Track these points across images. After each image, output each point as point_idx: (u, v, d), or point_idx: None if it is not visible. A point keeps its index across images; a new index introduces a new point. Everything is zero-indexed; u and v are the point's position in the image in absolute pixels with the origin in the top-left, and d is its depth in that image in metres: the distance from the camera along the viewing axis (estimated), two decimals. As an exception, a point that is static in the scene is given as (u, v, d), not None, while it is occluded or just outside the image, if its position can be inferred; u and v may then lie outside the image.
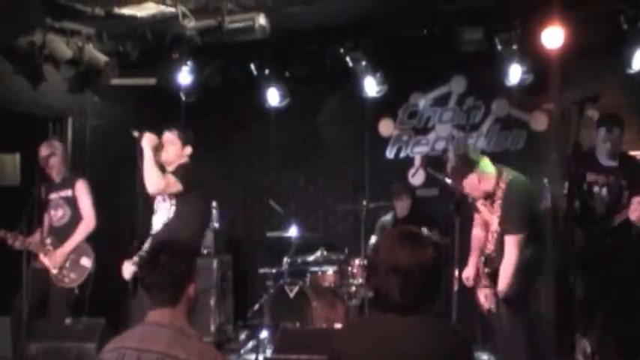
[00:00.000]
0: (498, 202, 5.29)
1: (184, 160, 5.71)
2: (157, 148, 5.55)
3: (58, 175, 6.78)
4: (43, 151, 6.67)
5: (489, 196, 5.33)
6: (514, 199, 5.26)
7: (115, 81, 8.27)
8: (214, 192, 8.53)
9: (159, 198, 5.63)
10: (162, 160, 5.63)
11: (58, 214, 6.75)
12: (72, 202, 6.73)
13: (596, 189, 5.40)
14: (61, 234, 6.71)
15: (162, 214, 5.58)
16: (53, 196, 6.78)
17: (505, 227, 5.24)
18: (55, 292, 6.61)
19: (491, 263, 5.32)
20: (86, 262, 6.63)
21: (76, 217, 6.71)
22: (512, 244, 5.19)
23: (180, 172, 5.55)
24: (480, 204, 5.49)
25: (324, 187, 9.38)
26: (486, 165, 5.36)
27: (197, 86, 8.59)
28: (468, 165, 5.34)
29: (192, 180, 5.56)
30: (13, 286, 6.30)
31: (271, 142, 9.53)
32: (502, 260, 5.23)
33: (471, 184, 5.30)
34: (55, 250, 6.63)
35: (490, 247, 5.35)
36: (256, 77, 8.69)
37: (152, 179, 5.40)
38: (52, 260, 6.59)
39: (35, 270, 6.48)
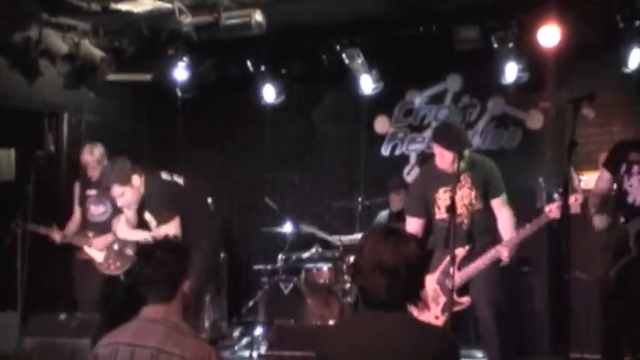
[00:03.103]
0: (466, 178, 5.33)
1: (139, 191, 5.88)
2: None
3: (99, 173, 6.90)
4: (90, 155, 6.93)
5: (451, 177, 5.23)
6: (492, 167, 5.45)
7: (111, 77, 8.25)
8: (209, 188, 8.53)
9: None
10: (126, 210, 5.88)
11: (99, 210, 6.96)
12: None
13: (635, 168, 5.09)
14: (102, 228, 6.88)
15: None
16: (92, 192, 6.99)
17: (493, 191, 5.37)
18: (103, 281, 6.86)
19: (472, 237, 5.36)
20: (130, 252, 6.74)
21: (116, 213, 6.75)
22: (503, 203, 5.35)
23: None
24: (441, 192, 5.45)
25: (320, 184, 9.32)
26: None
27: (193, 82, 8.55)
28: (462, 141, 5.31)
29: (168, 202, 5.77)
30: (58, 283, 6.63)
31: (267, 138, 9.48)
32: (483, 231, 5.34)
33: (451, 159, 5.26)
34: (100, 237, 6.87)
35: (465, 221, 5.34)
36: (252, 74, 8.66)
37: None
38: (97, 245, 6.80)
39: (82, 262, 6.84)
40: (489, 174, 5.43)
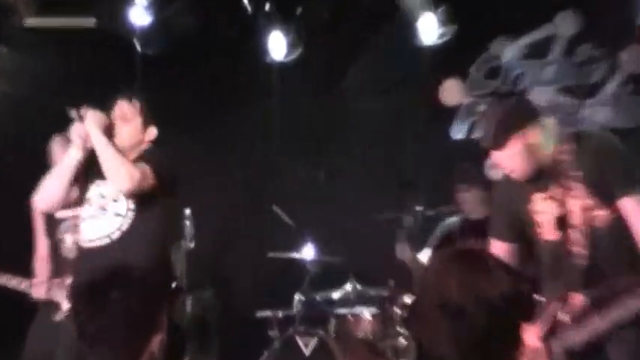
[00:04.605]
0: (570, 174, 4.12)
1: (145, 146, 4.97)
2: (108, 132, 4.86)
3: None
4: None
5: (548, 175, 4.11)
6: (613, 147, 4.12)
7: (32, 21, 7.31)
8: (190, 194, 6.64)
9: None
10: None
11: None
12: None
13: None
14: None
15: (110, 221, 4.60)
16: None
17: (614, 186, 4.05)
18: None
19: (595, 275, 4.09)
20: None
21: None
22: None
23: (153, 162, 4.82)
24: (539, 200, 4.26)
25: (355, 185, 7.72)
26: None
27: (159, 30, 7.41)
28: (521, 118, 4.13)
29: (170, 175, 4.87)
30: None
31: (275, 117, 8.00)
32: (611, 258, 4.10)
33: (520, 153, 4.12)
34: None
35: (581, 251, 4.03)
36: (252, 17, 7.47)
37: (121, 171, 4.59)
38: None
39: None
40: (602, 157, 4.07)
